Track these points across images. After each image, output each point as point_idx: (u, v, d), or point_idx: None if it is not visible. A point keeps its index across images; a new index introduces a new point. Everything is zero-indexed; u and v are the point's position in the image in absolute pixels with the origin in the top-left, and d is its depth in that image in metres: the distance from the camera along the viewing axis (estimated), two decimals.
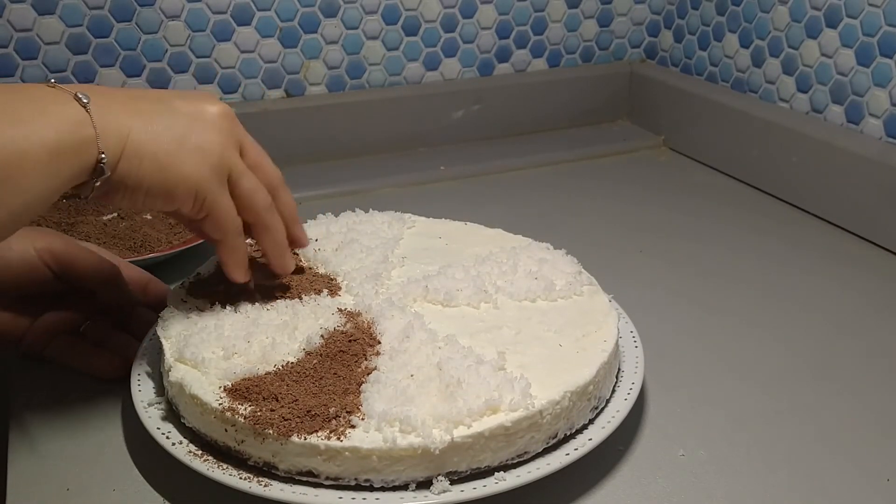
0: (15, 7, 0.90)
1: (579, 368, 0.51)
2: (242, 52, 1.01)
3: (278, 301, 0.57)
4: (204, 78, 1.00)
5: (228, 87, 1.02)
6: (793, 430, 0.58)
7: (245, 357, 0.52)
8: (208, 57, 1.00)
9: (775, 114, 0.98)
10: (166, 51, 0.98)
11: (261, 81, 1.03)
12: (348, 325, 0.55)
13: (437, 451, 0.45)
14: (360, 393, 0.48)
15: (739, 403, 0.61)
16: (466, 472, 0.47)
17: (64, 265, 0.57)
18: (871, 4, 0.87)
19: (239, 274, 0.55)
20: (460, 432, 0.45)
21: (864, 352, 0.67)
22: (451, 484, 0.46)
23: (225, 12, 0.99)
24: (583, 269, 0.63)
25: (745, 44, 1.04)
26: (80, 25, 0.93)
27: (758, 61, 1.03)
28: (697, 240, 0.87)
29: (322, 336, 0.53)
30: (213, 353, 0.52)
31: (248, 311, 0.56)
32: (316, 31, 1.04)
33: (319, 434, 0.45)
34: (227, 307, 0.56)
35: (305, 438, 0.45)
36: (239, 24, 1.00)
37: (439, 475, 0.46)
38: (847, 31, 0.90)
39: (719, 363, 0.66)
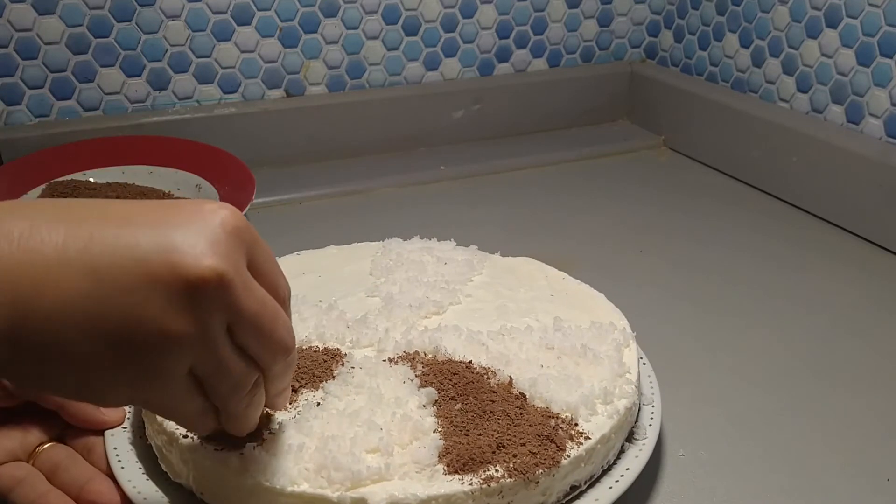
0: (15, 7, 0.90)
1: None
2: (242, 52, 1.01)
3: (329, 394, 0.49)
4: (204, 78, 1.00)
5: (228, 87, 1.02)
6: (793, 429, 0.58)
7: (403, 447, 0.45)
8: (208, 57, 1.00)
9: (775, 114, 0.98)
10: (166, 51, 0.98)
11: (261, 81, 1.03)
12: (420, 367, 0.52)
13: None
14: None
15: (740, 403, 0.61)
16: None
17: None
18: (871, 4, 0.87)
19: (204, 433, 0.43)
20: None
21: (863, 352, 0.67)
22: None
23: (225, 12, 0.99)
24: (627, 327, 0.58)
25: (745, 44, 1.04)
26: (80, 25, 0.93)
27: (758, 61, 1.03)
28: (697, 240, 0.87)
29: (426, 381, 0.50)
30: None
31: (316, 417, 0.47)
32: (316, 31, 1.04)
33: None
34: (286, 422, 0.46)
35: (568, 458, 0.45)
36: (239, 24, 1.00)
37: None
38: (847, 31, 0.90)
39: (719, 363, 0.66)
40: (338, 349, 0.54)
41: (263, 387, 0.41)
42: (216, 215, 0.35)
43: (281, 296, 0.39)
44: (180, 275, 0.33)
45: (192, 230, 0.34)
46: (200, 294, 0.33)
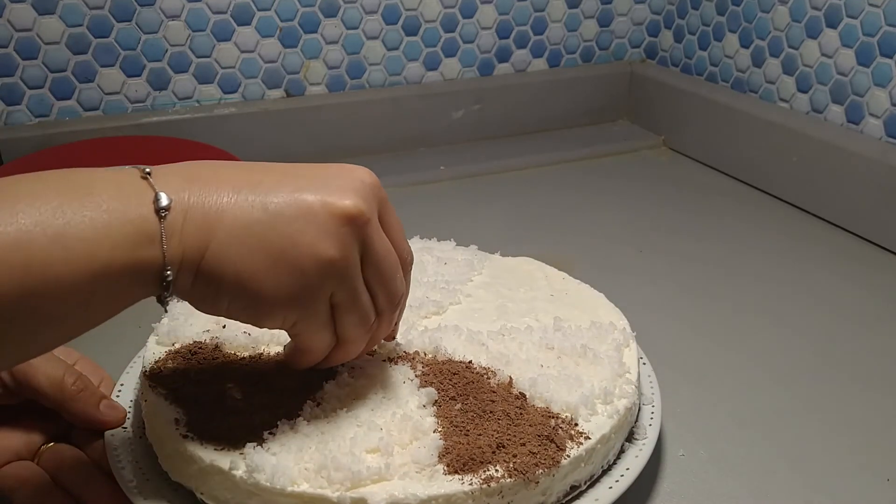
0: (15, 7, 0.90)
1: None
2: (242, 52, 1.01)
3: (329, 394, 0.49)
4: (204, 78, 1.00)
5: (228, 87, 1.02)
6: (793, 429, 0.58)
7: (405, 457, 0.44)
8: (208, 57, 1.00)
9: (775, 114, 0.98)
10: (166, 51, 0.98)
11: (261, 81, 1.03)
12: (420, 367, 0.52)
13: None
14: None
15: (740, 403, 0.61)
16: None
17: (18, 377, 0.48)
18: (871, 4, 0.87)
19: (301, 368, 0.47)
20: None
21: (863, 352, 0.67)
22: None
23: (225, 12, 0.99)
24: (627, 327, 0.58)
25: (745, 44, 1.04)
26: (81, 25, 0.93)
27: (758, 61, 1.03)
28: (697, 239, 0.87)
29: (426, 381, 0.50)
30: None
31: (319, 418, 0.47)
32: (316, 31, 1.04)
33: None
34: (286, 422, 0.46)
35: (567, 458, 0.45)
36: (239, 24, 1.00)
37: None
38: (847, 31, 0.90)
39: (719, 363, 0.66)
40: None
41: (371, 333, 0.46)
42: (358, 171, 0.44)
43: (404, 256, 0.46)
44: (330, 210, 0.41)
45: (339, 179, 0.42)
46: (345, 226, 0.41)
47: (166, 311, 0.42)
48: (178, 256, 0.38)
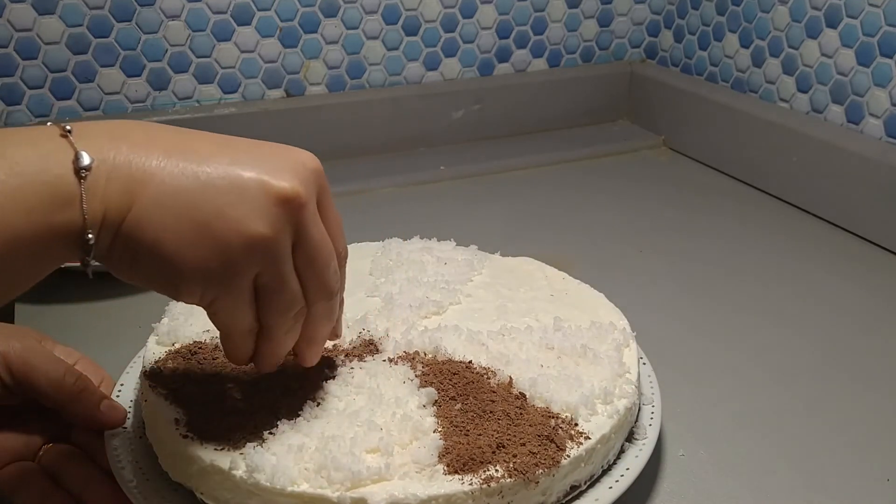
0: (15, 7, 0.90)
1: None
2: (242, 52, 1.01)
3: (329, 394, 0.49)
4: (204, 78, 1.00)
5: (228, 87, 1.02)
6: (793, 429, 0.58)
7: (405, 459, 0.44)
8: (208, 57, 1.00)
9: (775, 114, 0.98)
10: (166, 51, 0.98)
11: (261, 81, 1.03)
12: (420, 367, 0.52)
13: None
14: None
15: (740, 403, 0.61)
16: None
17: (18, 376, 0.47)
18: (871, 4, 0.87)
19: (238, 364, 0.45)
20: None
21: (863, 352, 0.67)
22: None
23: (225, 12, 0.99)
24: (627, 327, 0.58)
25: (745, 44, 1.04)
26: (80, 25, 0.93)
27: (758, 61, 1.03)
28: (697, 240, 0.87)
29: (426, 381, 0.50)
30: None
31: (310, 413, 0.47)
32: (316, 31, 1.04)
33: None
34: (286, 422, 0.46)
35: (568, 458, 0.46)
36: (239, 24, 1.00)
37: None
38: (847, 31, 0.90)
39: (719, 363, 0.66)
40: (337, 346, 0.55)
41: (300, 324, 0.44)
42: (301, 154, 0.42)
43: (339, 250, 0.44)
44: (266, 188, 0.39)
45: (280, 159, 0.41)
46: (279, 207, 0.39)
47: (89, 276, 0.39)
48: (98, 217, 0.36)
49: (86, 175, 0.36)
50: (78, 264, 0.38)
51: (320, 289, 0.43)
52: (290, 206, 0.39)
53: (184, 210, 0.38)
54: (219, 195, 0.38)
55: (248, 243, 0.39)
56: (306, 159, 0.42)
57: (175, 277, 0.39)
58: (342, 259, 0.45)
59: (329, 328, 0.46)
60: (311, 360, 0.47)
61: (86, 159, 0.36)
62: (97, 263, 0.38)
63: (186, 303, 0.41)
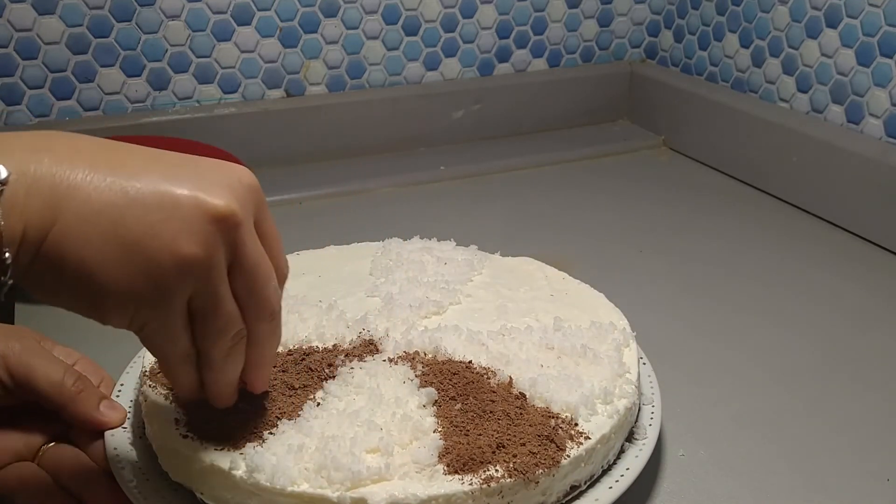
0: (15, 7, 0.90)
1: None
2: (242, 52, 1.01)
3: (329, 394, 0.49)
4: (204, 78, 1.00)
5: (228, 87, 1.02)
6: (793, 429, 0.58)
7: (404, 454, 0.45)
8: (208, 57, 1.00)
9: (775, 114, 0.98)
10: (166, 51, 0.98)
11: (261, 81, 1.03)
12: (420, 367, 0.52)
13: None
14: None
15: (740, 403, 0.61)
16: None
17: (18, 377, 0.47)
18: (871, 4, 0.87)
19: (186, 395, 0.43)
20: None
21: (863, 352, 0.67)
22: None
23: (225, 12, 0.99)
24: (627, 327, 0.58)
25: (745, 44, 1.04)
26: (80, 25, 0.93)
27: (758, 61, 1.03)
28: (697, 239, 0.87)
29: (426, 381, 0.50)
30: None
31: (311, 415, 0.47)
32: (316, 31, 1.04)
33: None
34: (286, 422, 0.46)
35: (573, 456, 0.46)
36: (239, 24, 1.00)
37: None
38: (847, 31, 0.90)
39: (719, 363, 0.66)
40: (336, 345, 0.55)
41: (244, 348, 0.42)
42: (237, 170, 0.40)
43: (280, 267, 0.42)
44: (199, 205, 0.37)
45: (215, 175, 0.39)
46: (213, 226, 0.37)
47: (1, 299, 0.36)
48: (17, 234, 0.34)
49: (1, 189, 0.33)
50: None
51: (260, 309, 0.41)
52: (225, 225, 0.37)
53: (111, 227, 0.35)
54: (149, 212, 0.36)
55: (180, 264, 0.36)
56: (242, 175, 0.40)
57: (101, 299, 0.36)
58: (282, 277, 0.43)
59: (275, 350, 0.44)
60: (261, 385, 0.45)
61: (2, 172, 0.34)
62: (9, 282, 0.35)
63: (115, 327, 0.39)
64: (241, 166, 0.41)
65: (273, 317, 0.42)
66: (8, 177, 0.34)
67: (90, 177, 0.36)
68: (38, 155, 0.35)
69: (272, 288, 0.41)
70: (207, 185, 0.38)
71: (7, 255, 0.34)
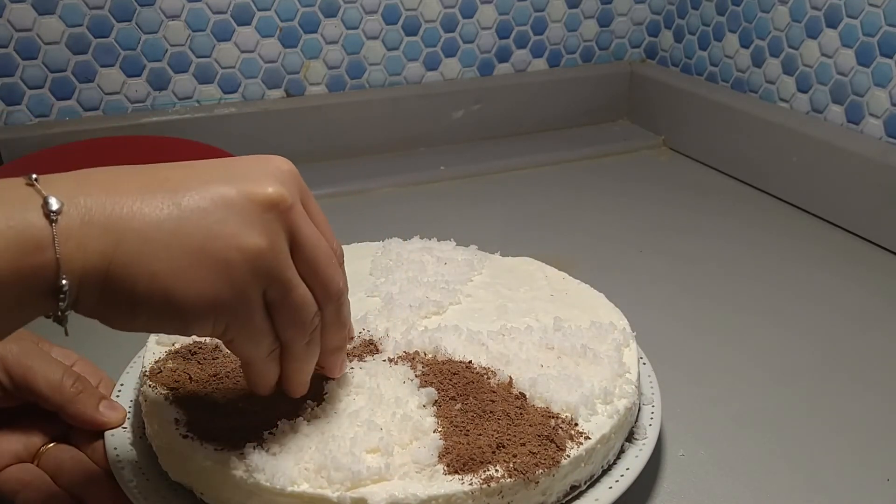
0: (15, 7, 0.90)
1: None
2: (242, 51, 1.01)
3: (329, 394, 0.49)
4: (204, 78, 1.00)
5: (228, 87, 1.02)
6: (793, 429, 0.58)
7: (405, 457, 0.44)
8: (208, 57, 1.00)
9: (775, 114, 0.98)
10: (166, 51, 0.98)
11: (261, 81, 1.03)
12: (420, 367, 0.52)
13: None
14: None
15: (740, 403, 0.61)
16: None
17: (17, 379, 0.47)
18: (871, 4, 0.87)
19: (264, 393, 0.44)
20: None
21: (863, 352, 0.67)
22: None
23: (225, 12, 0.99)
24: (627, 327, 0.58)
25: (745, 44, 1.04)
26: (80, 25, 0.94)
27: (758, 61, 1.03)
28: (697, 239, 0.87)
29: (426, 381, 0.50)
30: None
31: (312, 415, 0.47)
32: (316, 31, 1.04)
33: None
34: (286, 422, 0.46)
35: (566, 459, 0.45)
36: (239, 24, 1.00)
37: None
38: (847, 31, 0.90)
39: (719, 363, 0.66)
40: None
41: (319, 334, 0.43)
42: (274, 159, 0.41)
43: (335, 248, 0.43)
44: (250, 197, 0.38)
45: (255, 168, 0.40)
46: (269, 213, 0.38)
47: (66, 334, 0.36)
48: (78, 264, 0.34)
49: (56, 218, 0.34)
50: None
51: (327, 289, 0.42)
52: (278, 210, 0.38)
53: (174, 239, 0.36)
54: (205, 216, 0.37)
55: (248, 256, 0.37)
56: (280, 163, 0.41)
57: (181, 310, 0.37)
58: (339, 257, 0.44)
59: (345, 331, 0.45)
60: (340, 369, 0.47)
61: (55, 204, 0.34)
62: (67, 312, 0.36)
63: (199, 336, 0.39)
64: (277, 156, 0.41)
65: (340, 295, 0.43)
66: (61, 207, 0.34)
67: (140, 198, 0.36)
68: (85, 187, 0.36)
69: (334, 266, 0.42)
70: (252, 178, 0.38)
71: (65, 282, 0.34)
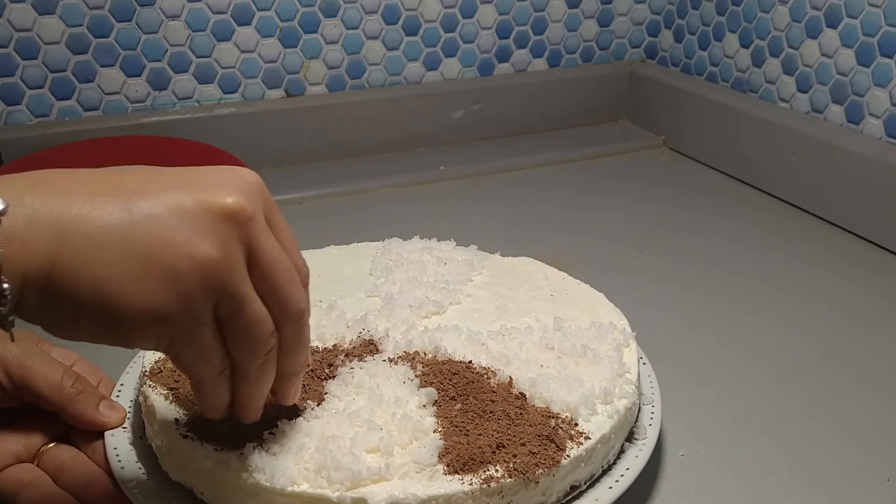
0: (15, 7, 0.90)
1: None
2: (242, 52, 1.01)
3: (329, 394, 0.49)
4: (204, 78, 1.00)
5: (228, 87, 1.02)
6: (793, 429, 0.58)
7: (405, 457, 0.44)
8: (208, 57, 1.00)
9: (775, 114, 0.98)
10: (166, 51, 0.98)
11: (261, 81, 1.03)
12: (420, 367, 0.52)
13: None
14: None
15: (740, 403, 0.61)
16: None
17: (17, 380, 0.47)
18: (871, 4, 0.87)
19: (215, 415, 0.42)
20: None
21: (863, 352, 0.67)
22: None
23: (225, 12, 0.99)
24: (627, 327, 0.58)
25: (745, 44, 1.04)
26: (80, 25, 0.93)
27: (758, 61, 1.03)
28: (697, 239, 0.87)
29: (426, 381, 0.50)
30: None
31: (312, 415, 0.47)
32: (316, 31, 1.04)
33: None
34: (286, 422, 0.46)
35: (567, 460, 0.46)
36: (239, 24, 1.00)
37: None
38: (847, 31, 0.90)
39: (719, 363, 0.66)
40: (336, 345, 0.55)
41: (276, 356, 0.41)
42: (238, 171, 0.39)
43: (299, 267, 0.40)
44: (208, 207, 0.36)
45: (217, 177, 0.38)
46: (225, 223, 0.36)
47: (13, 339, 0.35)
48: (20, 266, 0.33)
49: (0, 219, 0.32)
50: None
51: (286, 308, 0.39)
52: (236, 221, 0.36)
53: (122, 244, 0.34)
54: (157, 223, 0.35)
55: (199, 267, 0.35)
56: (245, 174, 0.39)
57: (123, 319, 0.35)
58: (303, 276, 0.41)
59: (305, 356, 0.43)
60: (293, 396, 0.44)
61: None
62: (11, 317, 0.34)
63: (143, 349, 0.37)
64: (243, 167, 0.40)
65: (301, 316, 0.40)
66: (6, 208, 0.33)
67: (91, 201, 0.35)
68: (34, 188, 0.34)
69: (296, 284, 0.39)
70: (212, 187, 0.37)
71: (6, 285, 0.33)
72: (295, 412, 0.47)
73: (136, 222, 0.35)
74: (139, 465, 0.48)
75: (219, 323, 0.37)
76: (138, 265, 0.34)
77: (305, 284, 0.41)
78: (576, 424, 0.48)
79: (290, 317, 0.39)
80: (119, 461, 0.48)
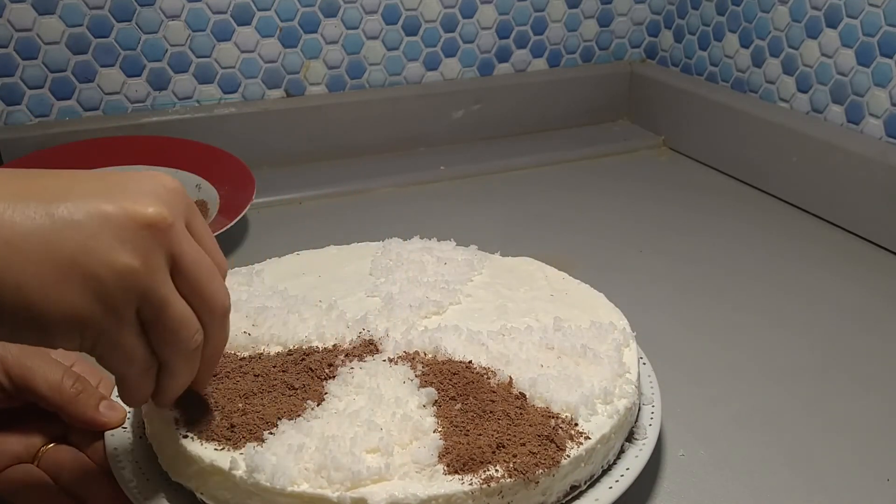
0: (15, 7, 0.90)
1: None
2: (242, 52, 1.01)
3: (329, 394, 0.49)
4: (204, 78, 1.01)
5: (228, 87, 1.02)
6: (793, 429, 0.58)
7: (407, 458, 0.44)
8: (208, 57, 1.00)
9: (775, 114, 0.98)
10: (166, 51, 0.98)
11: (261, 81, 1.03)
12: (420, 367, 0.52)
13: None
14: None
15: (740, 403, 0.61)
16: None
17: (17, 380, 0.47)
18: (871, 4, 0.87)
19: (136, 406, 0.43)
20: None
21: (863, 351, 0.67)
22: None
23: (225, 12, 0.99)
24: (627, 327, 0.58)
25: (745, 44, 1.04)
26: (80, 25, 0.94)
27: (758, 61, 1.03)
28: (697, 239, 0.87)
29: (426, 381, 0.50)
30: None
31: (311, 414, 0.47)
32: (316, 31, 1.04)
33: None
34: (286, 422, 0.46)
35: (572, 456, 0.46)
36: (239, 24, 1.00)
37: None
38: (847, 31, 0.90)
39: (719, 363, 0.66)
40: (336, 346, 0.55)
41: (200, 352, 0.42)
42: (158, 177, 0.40)
43: (220, 263, 0.42)
44: (129, 215, 0.36)
45: (138, 184, 0.38)
46: (145, 231, 0.37)
47: None
48: None
49: None
50: None
51: (211, 306, 0.41)
52: (157, 229, 0.37)
53: (43, 251, 0.34)
54: (79, 230, 0.35)
55: (120, 274, 0.36)
56: (165, 181, 0.39)
57: (45, 325, 0.35)
58: (223, 272, 0.43)
59: (222, 349, 0.44)
60: (204, 385, 0.46)
61: None
62: None
63: (66, 350, 0.38)
64: (163, 174, 0.40)
65: (225, 313, 0.42)
66: None
67: (13, 205, 0.34)
68: None
69: (218, 283, 0.41)
70: (133, 195, 0.37)
71: None
72: (295, 412, 0.47)
73: (57, 229, 0.35)
74: (139, 464, 0.48)
75: (143, 325, 0.38)
76: (59, 272, 0.35)
77: (224, 277, 0.43)
78: (576, 424, 0.48)
79: (214, 313, 0.41)
80: (119, 461, 0.48)
